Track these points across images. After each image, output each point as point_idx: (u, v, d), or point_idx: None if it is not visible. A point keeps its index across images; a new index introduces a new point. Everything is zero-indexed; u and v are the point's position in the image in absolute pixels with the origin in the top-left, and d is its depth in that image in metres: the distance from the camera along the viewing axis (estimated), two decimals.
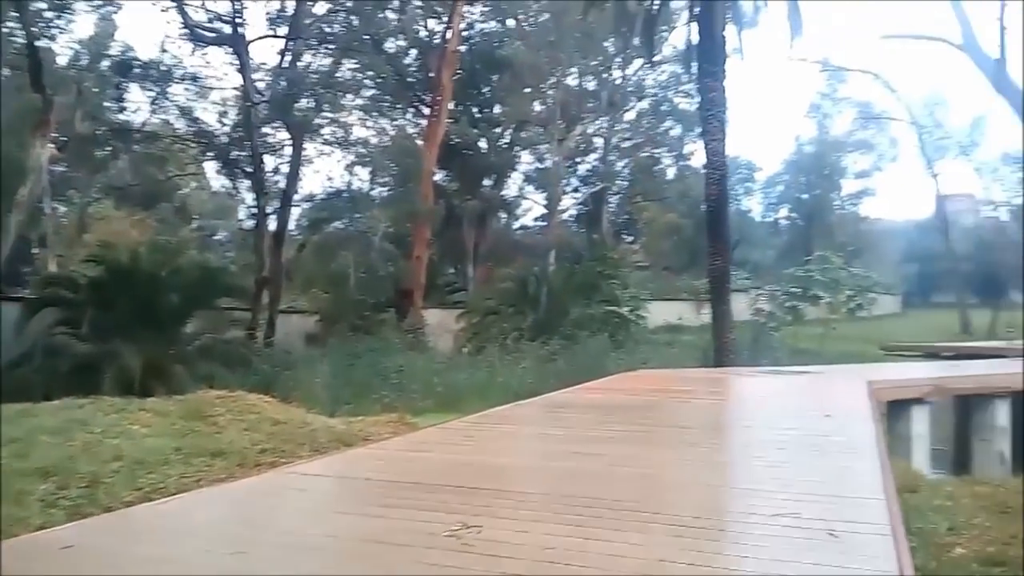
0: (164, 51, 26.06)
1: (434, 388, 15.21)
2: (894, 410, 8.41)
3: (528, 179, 38.60)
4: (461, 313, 23.71)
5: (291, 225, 30.65)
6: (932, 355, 21.97)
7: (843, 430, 5.52)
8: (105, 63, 26.78)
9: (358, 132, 33.00)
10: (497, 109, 35.02)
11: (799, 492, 3.64)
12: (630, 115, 38.53)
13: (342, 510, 3.51)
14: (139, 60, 26.27)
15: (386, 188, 35.03)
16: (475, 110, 34.54)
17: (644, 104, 38.31)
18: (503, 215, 37.71)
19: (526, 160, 37.94)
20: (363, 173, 34.61)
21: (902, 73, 71.29)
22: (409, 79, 33.07)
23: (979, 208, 56.29)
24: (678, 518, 3.21)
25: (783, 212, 48.09)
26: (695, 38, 17.98)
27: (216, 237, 38.78)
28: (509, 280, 24.45)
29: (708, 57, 17.39)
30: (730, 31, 17.79)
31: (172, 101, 27.28)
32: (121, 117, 27.02)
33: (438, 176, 31.77)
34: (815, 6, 49.45)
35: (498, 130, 35.44)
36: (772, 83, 68.94)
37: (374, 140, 34.56)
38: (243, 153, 27.04)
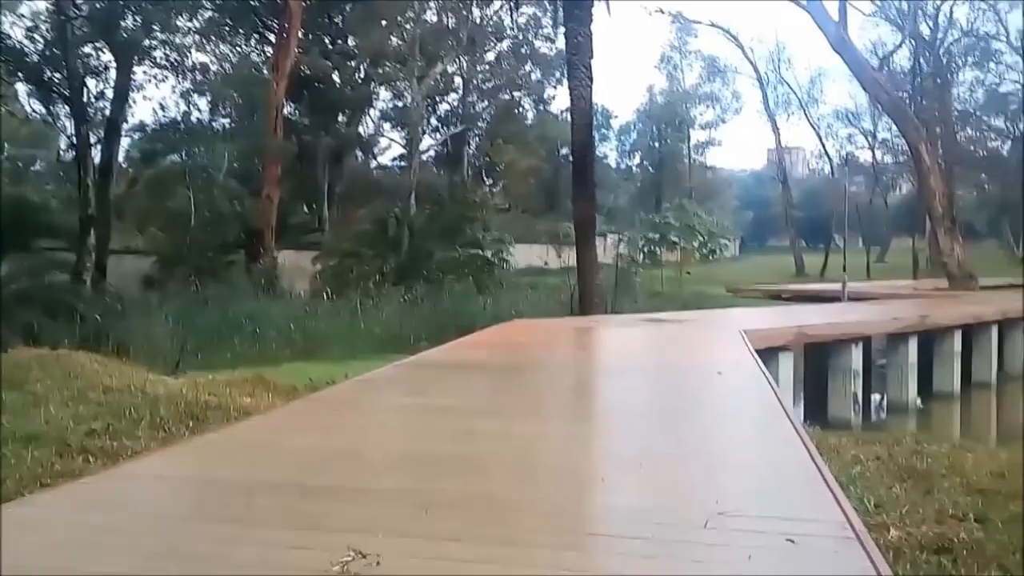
0: None
1: (292, 336, 14.19)
2: (762, 358, 8.51)
3: (385, 117, 37.12)
4: (318, 255, 22.44)
5: (120, 158, 27.81)
6: (775, 296, 23.33)
7: (742, 392, 5.30)
8: None
9: (195, 57, 30.21)
10: (351, 41, 33.13)
11: (733, 482, 3.18)
12: (490, 56, 37.77)
13: (191, 534, 2.59)
14: None
15: (229, 120, 32.46)
16: (327, 40, 32.45)
17: (504, 46, 37.62)
18: (359, 154, 36.07)
19: (383, 97, 36.41)
20: (202, 103, 31.89)
21: (750, 29, 74.59)
22: (253, 3, 30.42)
23: (808, 160, 60.70)
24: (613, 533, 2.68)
25: (636, 159, 49.45)
26: None
27: (34, 168, 34.51)
28: (368, 222, 23.37)
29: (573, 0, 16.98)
30: None
31: None
32: None
33: (287, 110, 29.72)
34: None
35: (352, 63, 33.57)
36: (625, 32, 70.02)
37: (214, 67, 31.84)
38: (59, 75, 23.88)
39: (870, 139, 42.96)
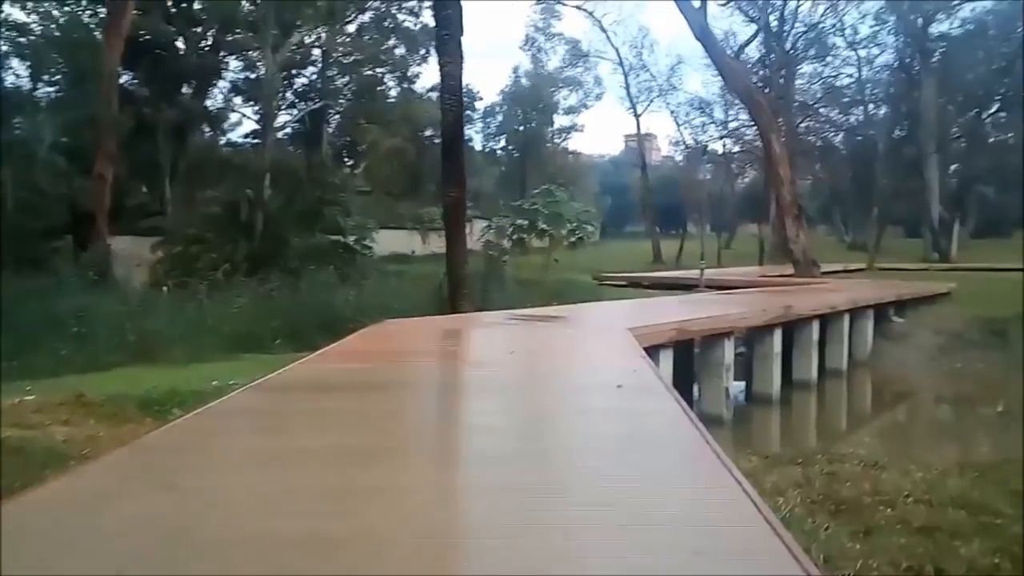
0: None
1: (126, 336, 12.63)
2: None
3: (236, 89, 34.64)
4: (158, 242, 20.43)
5: None
6: (636, 284, 23.77)
7: (652, 415, 4.64)
8: None
9: (13, 15, 26.86)
10: (197, 4, 30.59)
11: (680, 560, 2.49)
12: (351, 28, 36.04)
13: None
14: None
15: (54, 88, 29.13)
16: (169, 3, 29.77)
17: (366, 17, 35.96)
18: (207, 129, 33.46)
19: (233, 67, 33.94)
20: (21, 68, 28.45)
21: (613, 13, 75.10)
22: None
23: (661, 148, 62.94)
24: None
25: (501, 142, 49.11)
26: None
27: None
28: (216, 204, 21.53)
29: None
30: None
31: None
32: None
33: (124, 78, 27.04)
34: None
35: (199, 29, 31.04)
36: (490, 11, 69.52)
37: (37, 28, 28.40)
38: None
39: (721, 128, 44.81)
